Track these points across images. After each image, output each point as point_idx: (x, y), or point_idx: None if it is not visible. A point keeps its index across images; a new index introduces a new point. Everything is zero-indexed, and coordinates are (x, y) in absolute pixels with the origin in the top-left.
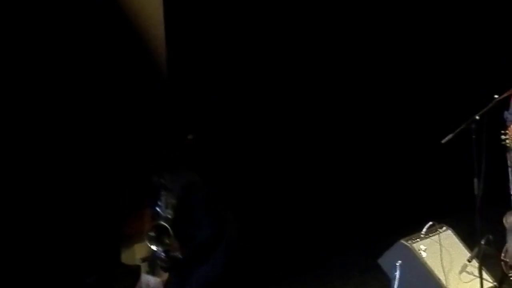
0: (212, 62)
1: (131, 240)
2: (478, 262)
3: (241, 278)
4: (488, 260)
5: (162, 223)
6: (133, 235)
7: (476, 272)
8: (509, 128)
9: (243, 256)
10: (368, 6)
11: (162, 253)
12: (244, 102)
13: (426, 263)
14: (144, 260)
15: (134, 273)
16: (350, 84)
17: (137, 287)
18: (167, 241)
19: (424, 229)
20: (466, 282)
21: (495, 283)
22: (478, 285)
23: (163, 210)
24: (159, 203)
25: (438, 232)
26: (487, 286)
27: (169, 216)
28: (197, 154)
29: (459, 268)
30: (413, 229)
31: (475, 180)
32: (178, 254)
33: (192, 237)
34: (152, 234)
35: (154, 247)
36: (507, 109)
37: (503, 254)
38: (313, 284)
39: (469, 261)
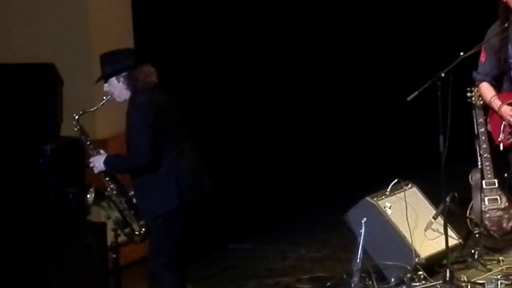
0: None
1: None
2: (443, 219)
3: (202, 234)
4: (453, 217)
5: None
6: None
7: (442, 230)
8: (477, 87)
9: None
10: None
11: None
12: None
13: (391, 220)
14: (109, 217)
15: (99, 229)
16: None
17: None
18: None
19: (389, 187)
20: (431, 239)
21: (460, 240)
22: (444, 242)
23: None
24: None
25: (403, 189)
26: (453, 243)
27: None
28: None
29: (424, 226)
30: (378, 186)
31: (440, 137)
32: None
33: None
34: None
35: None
36: (475, 68)
37: (468, 211)
38: (277, 240)
39: (435, 218)
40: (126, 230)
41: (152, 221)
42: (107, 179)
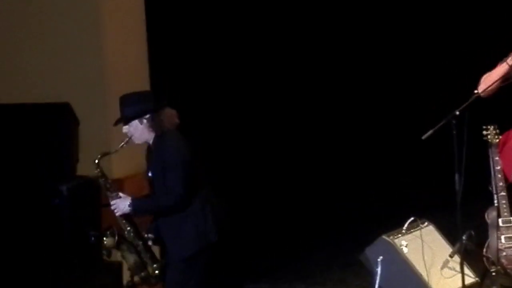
0: None
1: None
2: (459, 258)
3: (219, 274)
4: (470, 255)
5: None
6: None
7: (458, 268)
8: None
9: (222, 250)
10: None
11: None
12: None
13: (407, 258)
14: (126, 261)
15: (116, 268)
16: (326, 78)
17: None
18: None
19: (406, 225)
20: (447, 278)
21: (477, 279)
22: (460, 280)
23: None
24: None
25: (419, 227)
26: (469, 282)
27: None
28: None
29: (441, 264)
30: (394, 224)
31: (456, 175)
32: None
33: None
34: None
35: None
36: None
37: (484, 250)
38: (293, 279)
39: (451, 257)
40: (143, 274)
41: (176, 262)
42: (124, 221)
